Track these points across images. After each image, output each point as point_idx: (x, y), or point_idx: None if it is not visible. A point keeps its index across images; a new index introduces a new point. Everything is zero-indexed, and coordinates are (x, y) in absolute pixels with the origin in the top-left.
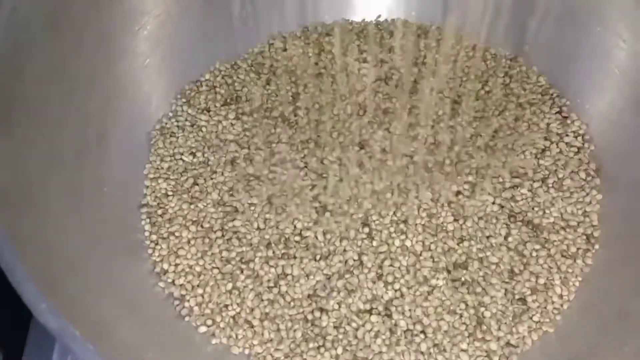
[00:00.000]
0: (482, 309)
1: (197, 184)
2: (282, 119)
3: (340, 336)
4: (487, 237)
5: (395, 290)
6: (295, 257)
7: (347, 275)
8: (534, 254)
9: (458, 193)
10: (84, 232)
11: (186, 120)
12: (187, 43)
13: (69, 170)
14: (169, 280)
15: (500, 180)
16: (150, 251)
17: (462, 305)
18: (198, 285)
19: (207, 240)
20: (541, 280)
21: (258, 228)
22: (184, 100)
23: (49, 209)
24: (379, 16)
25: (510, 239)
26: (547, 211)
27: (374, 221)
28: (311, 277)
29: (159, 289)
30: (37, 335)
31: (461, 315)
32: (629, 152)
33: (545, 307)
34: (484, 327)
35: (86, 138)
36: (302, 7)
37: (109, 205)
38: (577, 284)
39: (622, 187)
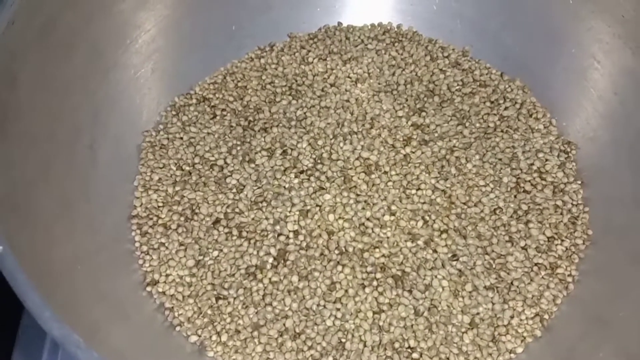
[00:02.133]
0: (476, 319)
1: (187, 196)
2: (270, 132)
3: (329, 347)
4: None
5: (384, 303)
6: (282, 270)
7: (336, 288)
8: (518, 265)
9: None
10: (75, 243)
11: (176, 132)
12: (177, 56)
13: (59, 181)
14: (160, 291)
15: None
16: (141, 262)
17: (457, 318)
18: (189, 296)
19: (197, 251)
20: (529, 290)
21: (247, 240)
22: (174, 112)
23: (41, 219)
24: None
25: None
26: (532, 225)
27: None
28: (299, 290)
29: (150, 299)
30: (27, 333)
31: (453, 325)
32: (605, 168)
33: (530, 317)
34: (472, 337)
35: (76, 149)
36: (289, 18)
37: (100, 216)
38: (561, 295)
39: (598, 201)
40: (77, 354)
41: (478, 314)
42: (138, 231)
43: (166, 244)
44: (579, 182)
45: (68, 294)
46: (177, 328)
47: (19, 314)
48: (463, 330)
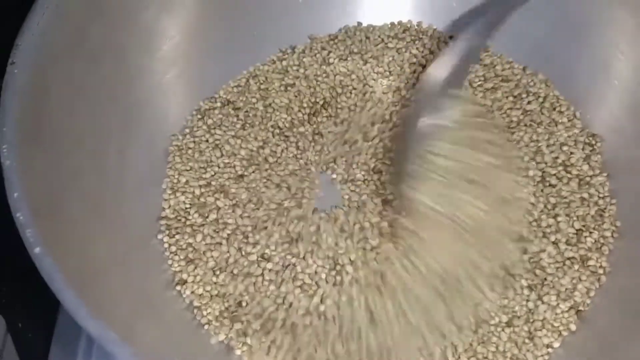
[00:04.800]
0: (501, 313)
1: (214, 197)
2: (294, 134)
3: (355, 346)
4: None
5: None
6: (308, 270)
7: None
8: (551, 261)
9: None
10: (108, 245)
11: (202, 135)
12: (201, 61)
13: (93, 186)
14: (188, 291)
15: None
16: (169, 262)
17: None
18: (217, 295)
19: (224, 251)
20: (562, 284)
21: (271, 237)
22: (199, 116)
23: (76, 222)
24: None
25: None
26: (560, 218)
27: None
28: (326, 288)
29: (179, 298)
30: (63, 330)
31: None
32: (631, 159)
33: (564, 310)
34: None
35: (108, 154)
36: (309, 20)
37: (132, 219)
38: (593, 287)
39: (626, 193)
40: (113, 350)
41: (515, 312)
42: (167, 232)
43: (193, 245)
44: (605, 174)
45: (102, 294)
46: (205, 327)
47: (55, 311)
48: (500, 329)
